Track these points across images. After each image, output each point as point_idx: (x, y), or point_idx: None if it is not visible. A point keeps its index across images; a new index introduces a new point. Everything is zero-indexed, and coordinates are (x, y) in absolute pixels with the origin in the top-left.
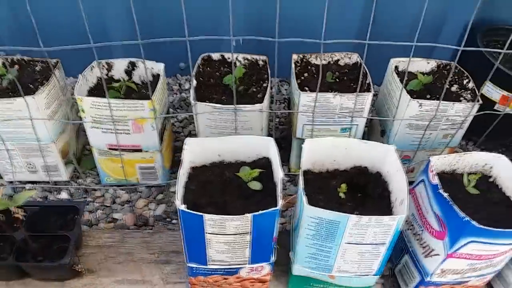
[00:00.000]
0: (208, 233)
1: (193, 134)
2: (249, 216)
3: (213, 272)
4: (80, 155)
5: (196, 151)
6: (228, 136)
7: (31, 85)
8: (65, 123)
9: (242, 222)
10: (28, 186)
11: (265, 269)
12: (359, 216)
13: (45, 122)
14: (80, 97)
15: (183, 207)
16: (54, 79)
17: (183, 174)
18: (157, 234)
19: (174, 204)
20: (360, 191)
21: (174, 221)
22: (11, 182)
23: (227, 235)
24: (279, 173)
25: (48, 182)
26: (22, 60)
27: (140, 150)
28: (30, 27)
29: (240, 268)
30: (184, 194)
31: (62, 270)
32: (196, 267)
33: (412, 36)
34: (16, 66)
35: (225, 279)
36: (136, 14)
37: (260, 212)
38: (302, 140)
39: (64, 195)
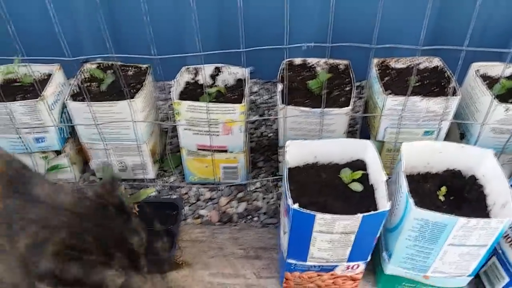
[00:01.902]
0: (315, 232)
1: (265, 136)
2: (359, 216)
3: (310, 269)
4: (163, 155)
5: (294, 153)
6: (326, 139)
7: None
8: (162, 124)
9: (351, 222)
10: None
11: (360, 267)
12: (468, 218)
13: (140, 124)
14: (177, 101)
15: (296, 206)
16: (148, 84)
17: (286, 174)
18: (243, 231)
19: (254, 202)
20: (454, 194)
21: (255, 218)
22: (101, 179)
23: (333, 234)
24: (381, 176)
25: (134, 180)
26: (113, 66)
27: (225, 151)
28: (111, 34)
29: (337, 265)
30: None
31: (167, 262)
32: (295, 263)
33: (481, 39)
34: (109, 71)
35: (319, 275)
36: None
37: (372, 213)
38: (382, 143)
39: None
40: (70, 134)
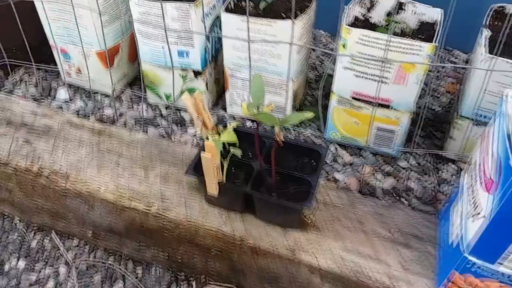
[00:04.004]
0: None
1: (428, 108)
2: None
3: (493, 276)
4: (302, 104)
5: None
6: None
7: (283, 14)
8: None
9: None
10: (249, 123)
11: None
12: None
13: (293, 57)
14: (348, 28)
15: None
16: (311, 11)
17: (508, 130)
18: (392, 209)
19: (406, 181)
20: None
21: (404, 200)
22: (232, 116)
23: None
24: None
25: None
26: None
27: (388, 107)
28: None
29: None
30: None
31: (294, 215)
32: (474, 262)
33: None
34: None
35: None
36: None
37: None
38: None
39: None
40: (213, 58)
